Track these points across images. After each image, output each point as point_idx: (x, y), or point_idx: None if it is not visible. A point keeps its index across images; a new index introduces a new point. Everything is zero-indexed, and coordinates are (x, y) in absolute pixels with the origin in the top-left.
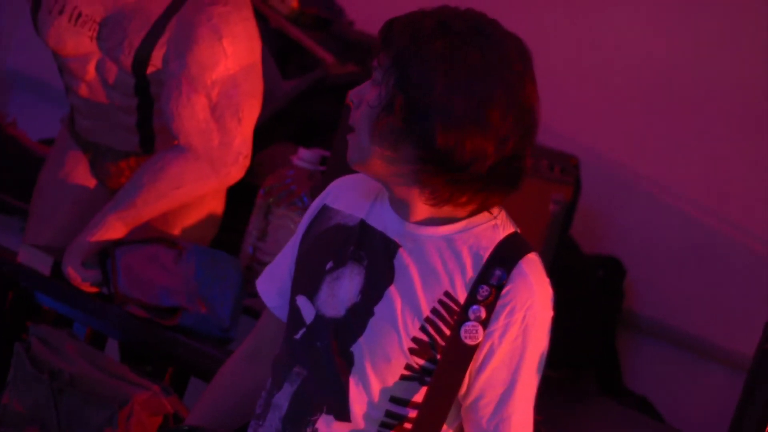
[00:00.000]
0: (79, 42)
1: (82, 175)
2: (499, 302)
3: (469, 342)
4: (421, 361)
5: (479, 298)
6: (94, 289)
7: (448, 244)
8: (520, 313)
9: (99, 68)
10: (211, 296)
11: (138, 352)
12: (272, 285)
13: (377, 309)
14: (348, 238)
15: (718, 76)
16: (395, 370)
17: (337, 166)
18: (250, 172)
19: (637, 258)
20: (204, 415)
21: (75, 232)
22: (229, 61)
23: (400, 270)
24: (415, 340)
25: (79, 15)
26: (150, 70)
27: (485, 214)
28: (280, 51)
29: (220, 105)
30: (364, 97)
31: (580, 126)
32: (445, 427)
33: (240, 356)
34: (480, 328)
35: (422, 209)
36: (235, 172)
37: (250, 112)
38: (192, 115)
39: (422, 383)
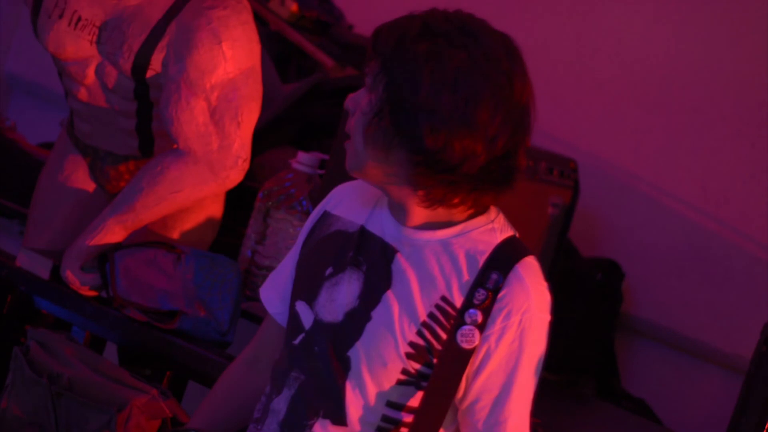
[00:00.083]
0: (78, 46)
1: (81, 178)
2: (496, 306)
3: (466, 346)
4: (418, 366)
5: (476, 302)
6: (93, 293)
7: (445, 248)
8: (516, 317)
9: (98, 72)
10: (209, 300)
11: (136, 356)
12: (274, 291)
13: (375, 314)
14: (348, 244)
15: (717, 79)
16: (392, 374)
17: (336, 170)
18: (249, 175)
19: (635, 261)
20: (205, 419)
21: (74, 235)
22: (229, 65)
23: (398, 275)
24: (411, 344)
25: (79, 19)
26: (149, 74)
27: (483, 218)
28: (279, 55)
29: (219, 109)
30: (359, 105)
31: (579, 129)
32: (441, 431)
33: (241, 361)
34: (476, 332)
35: (419, 213)
36: (234, 175)
37: (250, 115)
38: (191, 119)
39: (419, 387)
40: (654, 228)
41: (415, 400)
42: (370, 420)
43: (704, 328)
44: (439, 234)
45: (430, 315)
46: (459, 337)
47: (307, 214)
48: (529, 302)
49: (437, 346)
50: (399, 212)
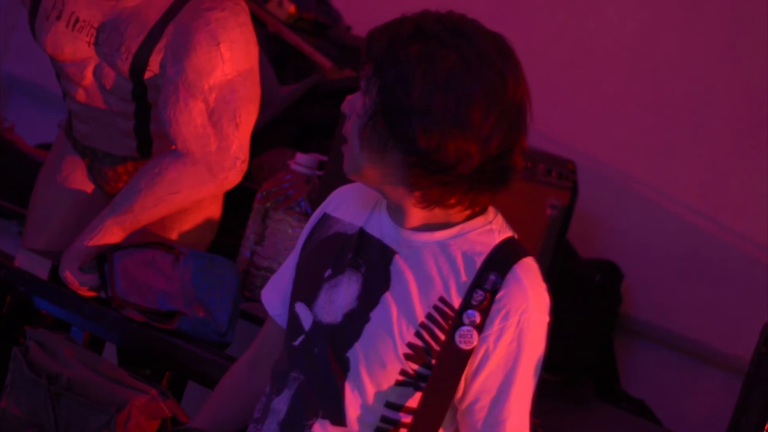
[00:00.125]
0: (76, 47)
1: (79, 179)
2: (494, 307)
3: (464, 347)
4: (416, 366)
5: (474, 302)
6: (91, 294)
7: (443, 250)
8: (514, 318)
9: (96, 73)
10: (208, 300)
11: (136, 356)
12: (275, 294)
13: (373, 315)
14: (347, 245)
15: (716, 80)
16: (390, 375)
17: (334, 171)
18: (248, 176)
19: (634, 262)
20: (208, 419)
21: (73, 236)
22: (227, 67)
23: (396, 276)
24: (410, 345)
25: (77, 20)
26: (147, 75)
27: (481, 219)
28: (277, 56)
29: (217, 110)
30: (354, 108)
31: (577, 130)
32: (441, 431)
33: (243, 363)
34: (475, 333)
35: (416, 214)
36: (233, 176)
37: (248, 117)
38: (189, 120)
39: (417, 388)
40: (653, 229)
41: (414, 401)
42: (368, 420)
43: (703, 328)
44: (437, 235)
45: (429, 316)
46: (457, 338)
47: (306, 215)
48: (527, 303)
49: (435, 347)
50: (397, 214)
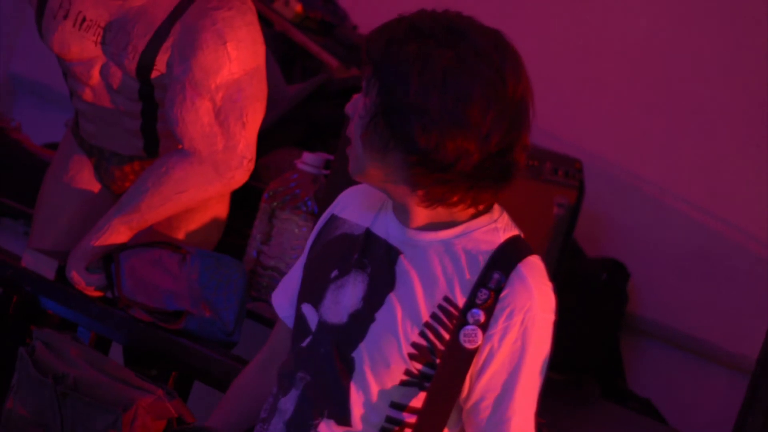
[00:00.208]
0: (83, 47)
1: (86, 179)
2: (498, 305)
3: (469, 346)
4: (420, 366)
5: (478, 301)
6: (98, 293)
7: (447, 249)
8: (518, 316)
9: (103, 73)
10: (215, 300)
11: (142, 356)
12: (285, 296)
13: (378, 315)
14: (353, 246)
15: (722, 79)
16: (395, 375)
17: (341, 171)
18: (255, 176)
19: (640, 261)
20: (221, 420)
21: (79, 236)
22: (234, 66)
23: (401, 276)
24: (414, 345)
25: (84, 20)
26: (154, 74)
27: (485, 218)
28: (284, 55)
29: (224, 109)
30: (357, 109)
31: (584, 129)
32: (446, 431)
33: (255, 365)
34: (479, 332)
35: (421, 214)
36: (240, 176)
37: (255, 116)
38: (196, 120)
39: (422, 388)
40: (659, 228)
41: (419, 401)
42: (373, 420)
43: (710, 328)
44: (442, 234)
45: (433, 315)
46: (462, 337)
47: (313, 214)
48: (532, 301)
49: (440, 347)
50: (402, 214)
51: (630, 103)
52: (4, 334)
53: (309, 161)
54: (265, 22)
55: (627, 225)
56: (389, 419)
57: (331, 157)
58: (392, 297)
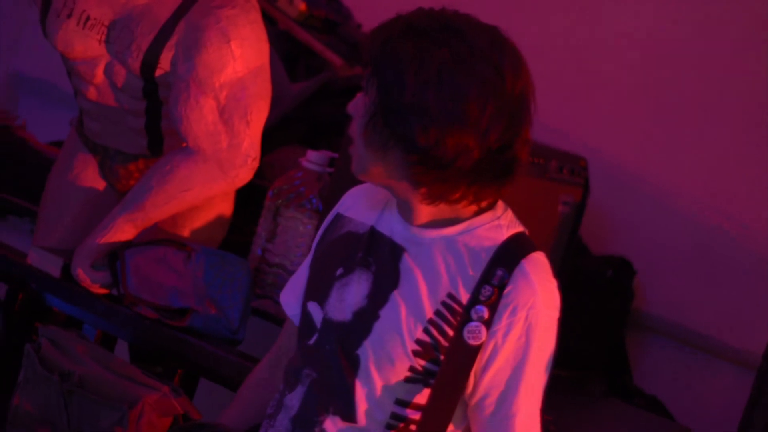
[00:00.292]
0: (87, 45)
1: (91, 177)
2: (502, 302)
3: (473, 342)
4: (424, 363)
5: (482, 298)
6: (103, 291)
7: (451, 246)
8: (522, 313)
9: (107, 71)
10: (220, 298)
11: (148, 354)
12: (293, 295)
13: (382, 312)
14: (358, 244)
15: (725, 77)
16: (399, 372)
17: (345, 169)
18: (259, 174)
19: (646, 258)
20: (233, 418)
21: (84, 234)
22: (238, 64)
23: (405, 274)
24: (418, 342)
25: (88, 18)
26: (158, 72)
27: (489, 215)
28: (288, 54)
29: (228, 107)
30: (358, 109)
31: (589, 127)
32: (452, 428)
33: (264, 364)
34: (483, 328)
35: (424, 211)
36: (244, 174)
37: (259, 114)
38: (200, 118)
39: (426, 385)
40: (664, 225)
41: (423, 397)
42: (378, 417)
43: (715, 324)
44: (445, 231)
45: (437, 312)
46: (466, 334)
47: (317, 212)
48: (535, 298)
49: (444, 343)
50: (406, 212)
51: (635, 102)
52: (10, 331)
53: (313, 159)
54: (268, 21)
55: (632, 222)
56: (394, 415)
57: (336, 155)
58: (396, 294)
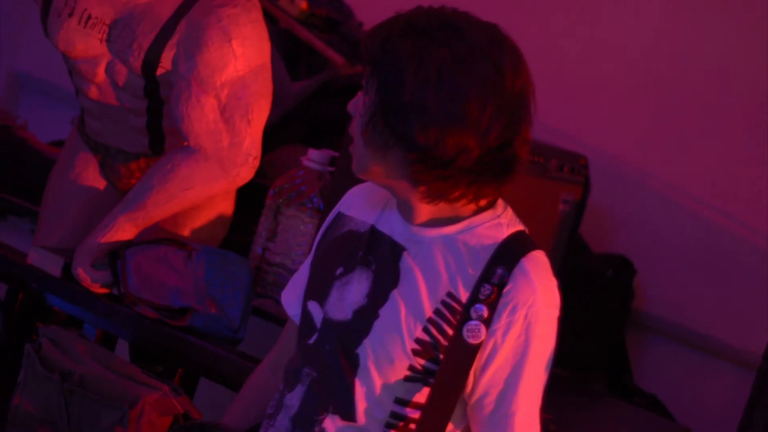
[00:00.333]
0: (88, 44)
1: (92, 176)
2: (501, 300)
3: (472, 341)
4: (423, 362)
5: (481, 297)
6: (104, 290)
7: (451, 244)
8: (522, 311)
9: (109, 70)
10: (221, 297)
11: (148, 353)
12: (294, 295)
13: (382, 312)
14: (358, 243)
15: (726, 75)
16: (399, 371)
17: (346, 168)
18: (260, 173)
19: (646, 257)
20: (235, 418)
21: (85, 233)
22: (239, 63)
23: (405, 272)
24: (417, 341)
25: (89, 17)
26: (159, 71)
27: (489, 213)
28: (289, 52)
29: (229, 106)
30: (358, 108)
31: (590, 126)
32: (452, 427)
33: (266, 364)
34: (482, 327)
35: (424, 210)
36: (245, 173)
37: (260, 113)
38: (201, 117)
39: (425, 384)
40: (665, 224)
41: (422, 396)
42: (378, 416)
43: (716, 324)
44: (445, 230)
45: (436, 311)
46: (465, 333)
47: (318, 211)
48: (535, 297)
49: (443, 342)
50: (406, 211)
51: (635, 100)
52: (10, 331)
53: (314, 158)
54: (270, 19)
55: (633, 221)
56: (394, 414)
57: (337, 154)
58: (396, 293)
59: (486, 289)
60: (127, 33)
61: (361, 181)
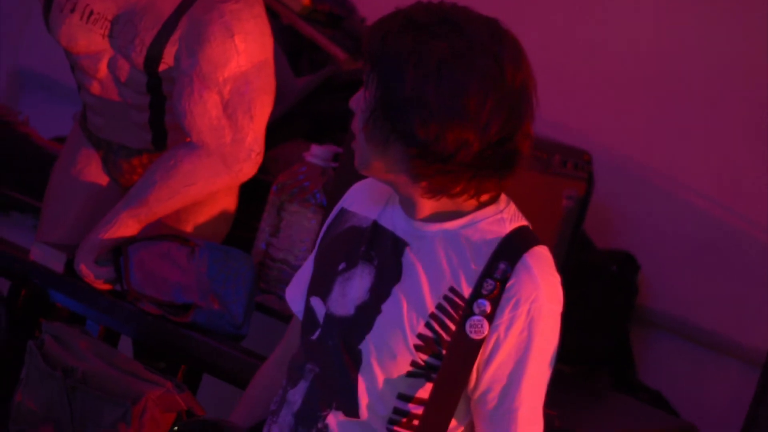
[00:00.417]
0: (90, 40)
1: (94, 172)
2: (504, 296)
3: (475, 336)
4: (426, 357)
5: (484, 292)
6: (107, 287)
7: (453, 240)
8: (524, 306)
9: (111, 66)
10: (224, 293)
11: (151, 349)
12: (298, 291)
13: (384, 307)
14: (361, 239)
15: (730, 71)
16: (401, 366)
17: (349, 163)
18: (263, 168)
19: (650, 253)
20: (243, 416)
21: (87, 229)
22: (241, 59)
23: (407, 268)
24: (420, 336)
25: (91, 13)
26: (162, 67)
27: (492, 208)
28: (292, 48)
29: (232, 102)
30: (359, 104)
31: (593, 121)
32: (455, 423)
33: (272, 361)
34: (485, 323)
35: (426, 205)
36: (248, 168)
37: (263, 109)
38: (204, 113)
39: (428, 379)
40: (669, 220)
41: (425, 392)
42: (381, 411)
43: (720, 320)
44: (447, 225)
45: (439, 306)
46: (468, 328)
47: (321, 206)
48: (538, 292)
49: (446, 338)
50: (408, 206)
51: (639, 95)
52: (13, 327)
53: (317, 154)
54: (272, 15)
55: (637, 217)
56: (396, 410)
57: (340, 150)
58: (398, 289)
59: (489, 284)
60: (129, 28)
61: (364, 177)
